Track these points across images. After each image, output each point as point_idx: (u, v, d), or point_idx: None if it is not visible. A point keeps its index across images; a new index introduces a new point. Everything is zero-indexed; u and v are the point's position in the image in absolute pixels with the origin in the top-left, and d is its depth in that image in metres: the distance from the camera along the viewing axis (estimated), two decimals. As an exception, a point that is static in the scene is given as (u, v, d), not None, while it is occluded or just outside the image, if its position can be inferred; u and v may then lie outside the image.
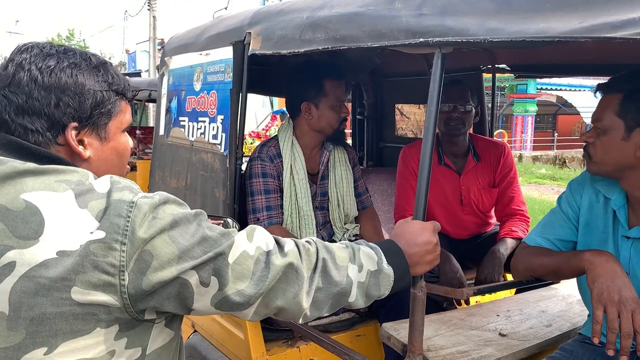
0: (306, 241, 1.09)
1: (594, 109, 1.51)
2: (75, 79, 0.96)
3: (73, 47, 1.04)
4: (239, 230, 1.02)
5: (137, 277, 0.86)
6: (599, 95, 1.49)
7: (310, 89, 2.24)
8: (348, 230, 2.41)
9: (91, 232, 0.84)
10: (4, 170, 0.87)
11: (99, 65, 1.01)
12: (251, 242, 0.98)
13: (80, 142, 0.99)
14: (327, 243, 1.12)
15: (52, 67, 0.95)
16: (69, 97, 0.95)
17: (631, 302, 1.28)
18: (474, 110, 2.42)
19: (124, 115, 1.06)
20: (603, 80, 1.52)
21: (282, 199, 2.24)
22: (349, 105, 3.75)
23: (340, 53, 1.62)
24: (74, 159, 0.98)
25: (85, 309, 0.84)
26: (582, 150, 1.61)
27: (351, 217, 2.44)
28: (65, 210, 0.85)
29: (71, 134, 0.96)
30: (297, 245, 1.05)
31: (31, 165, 0.89)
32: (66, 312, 0.84)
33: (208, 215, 1.01)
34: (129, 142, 1.10)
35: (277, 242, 1.03)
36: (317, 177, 2.35)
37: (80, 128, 0.98)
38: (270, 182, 2.22)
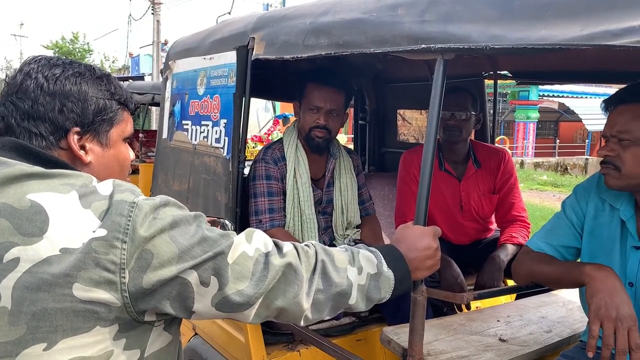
0: (305, 244, 1.11)
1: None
2: (79, 86, 1.01)
3: (79, 60, 1.10)
4: (234, 231, 1.03)
5: (137, 275, 0.88)
6: (624, 105, 1.40)
7: (298, 88, 2.28)
8: (348, 235, 2.42)
9: (94, 231, 0.86)
10: (12, 172, 0.89)
11: (102, 77, 1.07)
12: (250, 243, 1.00)
13: (82, 147, 1.03)
14: (325, 246, 1.13)
15: (58, 75, 1.00)
16: (72, 103, 1.00)
17: (628, 319, 1.29)
18: (473, 118, 2.40)
19: (126, 124, 1.11)
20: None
21: (285, 201, 2.25)
22: (351, 111, 3.77)
23: (343, 58, 1.63)
24: (75, 163, 1.02)
25: (86, 305, 0.86)
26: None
27: (354, 224, 2.45)
28: (69, 210, 0.87)
29: (73, 138, 1.01)
30: (295, 248, 1.07)
31: (38, 168, 0.91)
32: (67, 308, 0.85)
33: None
34: (129, 152, 1.14)
35: (276, 244, 1.05)
36: (324, 184, 2.36)
37: (83, 133, 1.02)
38: (273, 184, 2.22)
